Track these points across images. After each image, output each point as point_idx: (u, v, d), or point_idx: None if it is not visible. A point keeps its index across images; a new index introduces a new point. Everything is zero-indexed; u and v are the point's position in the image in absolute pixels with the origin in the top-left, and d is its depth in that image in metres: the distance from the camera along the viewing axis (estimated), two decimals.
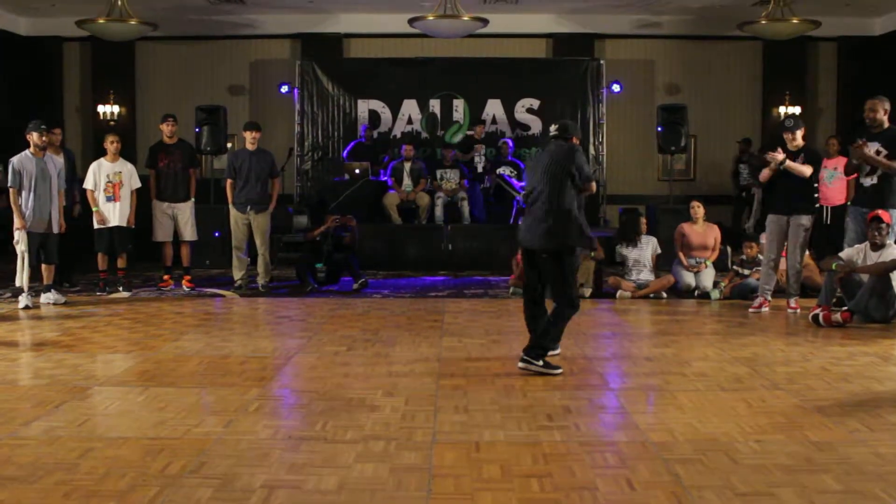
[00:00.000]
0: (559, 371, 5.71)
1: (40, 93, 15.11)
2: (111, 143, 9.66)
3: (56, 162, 8.95)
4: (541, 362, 5.71)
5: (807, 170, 8.15)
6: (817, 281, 8.88)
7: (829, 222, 10.49)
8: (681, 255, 9.63)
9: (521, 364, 5.74)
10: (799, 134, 8.35)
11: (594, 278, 9.49)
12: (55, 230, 8.76)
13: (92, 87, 15.53)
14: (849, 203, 8.98)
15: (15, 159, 8.58)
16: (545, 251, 5.82)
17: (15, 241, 8.60)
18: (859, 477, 3.77)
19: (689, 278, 9.47)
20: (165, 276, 10.04)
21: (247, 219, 9.77)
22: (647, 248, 9.58)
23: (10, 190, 8.52)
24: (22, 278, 8.52)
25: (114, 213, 9.52)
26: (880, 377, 5.69)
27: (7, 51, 14.74)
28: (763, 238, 8.85)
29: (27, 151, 8.65)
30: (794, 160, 8.22)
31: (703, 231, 9.72)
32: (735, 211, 14.39)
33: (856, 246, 8.01)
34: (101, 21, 12.16)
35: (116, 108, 15.18)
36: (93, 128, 15.31)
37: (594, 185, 6.25)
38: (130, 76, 15.60)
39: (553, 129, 6.10)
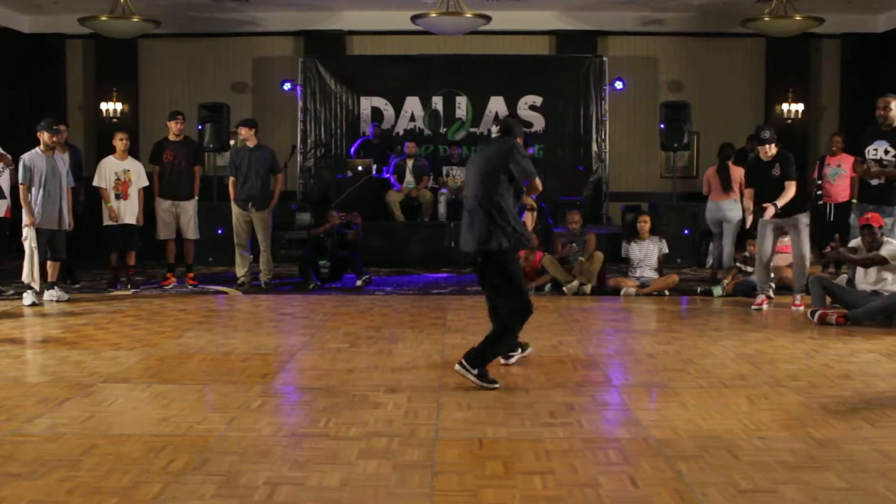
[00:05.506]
0: (495, 386, 5.27)
1: (43, 90, 15.11)
2: (120, 141, 9.67)
3: (64, 159, 8.98)
4: (476, 371, 5.29)
5: None
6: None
7: (832, 219, 10.46)
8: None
9: (457, 367, 5.33)
10: (773, 146, 8.33)
11: (598, 275, 9.51)
12: (65, 227, 8.78)
13: (95, 85, 15.51)
14: (853, 200, 8.98)
15: (25, 156, 8.59)
16: (478, 255, 5.50)
17: (24, 237, 8.61)
18: (862, 474, 3.77)
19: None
20: (168, 274, 10.03)
21: (248, 216, 9.76)
22: (653, 248, 9.60)
23: (21, 186, 8.53)
24: (30, 274, 8.53)
25: (123, 211, 9.56)
26: (883, 374, 5.69)
27: (10, 48, 14.73)
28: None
29: (37, 149, 8.66)
30: (769, 170, 8.24)
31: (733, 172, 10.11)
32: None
33: (858, 240, 8.01)
34: (104, 18, 12.15)
35: (119, 106, 15.17)
36: (96, 125, 15.32)
37: (538, 181, 5.57)
38: (133, 73, 15.58)
39: (495, 129, 5.84)
